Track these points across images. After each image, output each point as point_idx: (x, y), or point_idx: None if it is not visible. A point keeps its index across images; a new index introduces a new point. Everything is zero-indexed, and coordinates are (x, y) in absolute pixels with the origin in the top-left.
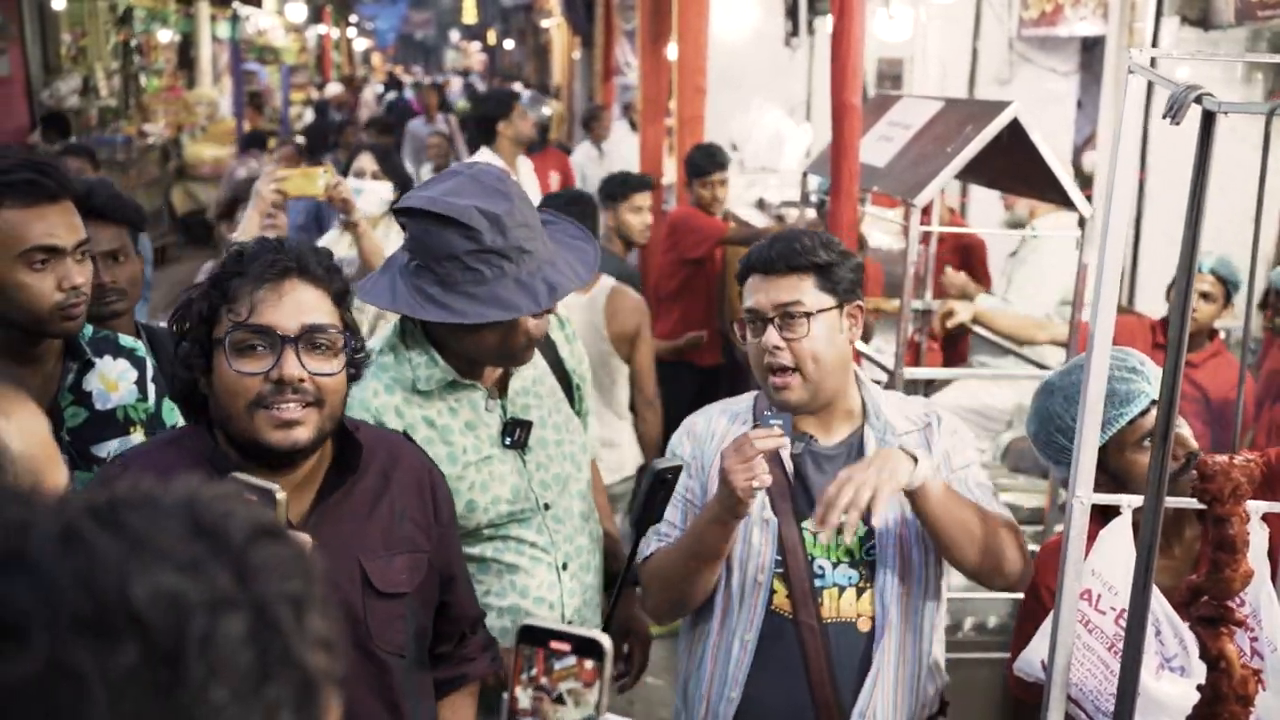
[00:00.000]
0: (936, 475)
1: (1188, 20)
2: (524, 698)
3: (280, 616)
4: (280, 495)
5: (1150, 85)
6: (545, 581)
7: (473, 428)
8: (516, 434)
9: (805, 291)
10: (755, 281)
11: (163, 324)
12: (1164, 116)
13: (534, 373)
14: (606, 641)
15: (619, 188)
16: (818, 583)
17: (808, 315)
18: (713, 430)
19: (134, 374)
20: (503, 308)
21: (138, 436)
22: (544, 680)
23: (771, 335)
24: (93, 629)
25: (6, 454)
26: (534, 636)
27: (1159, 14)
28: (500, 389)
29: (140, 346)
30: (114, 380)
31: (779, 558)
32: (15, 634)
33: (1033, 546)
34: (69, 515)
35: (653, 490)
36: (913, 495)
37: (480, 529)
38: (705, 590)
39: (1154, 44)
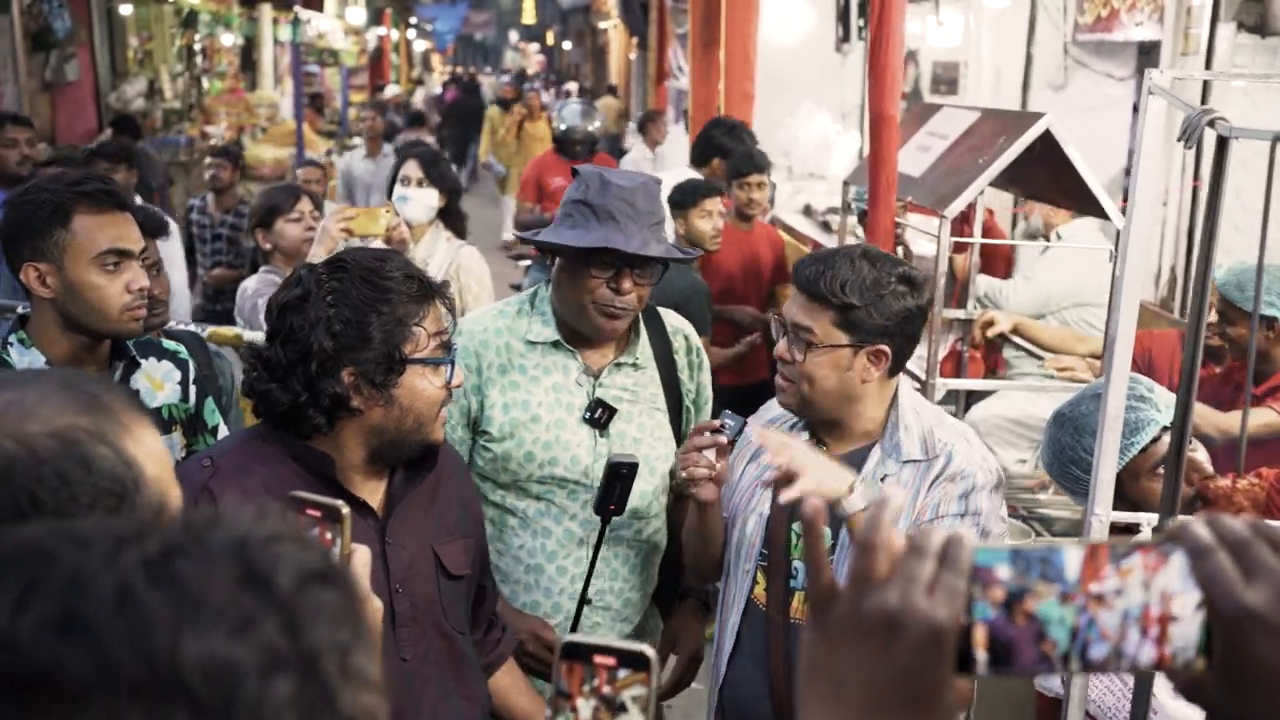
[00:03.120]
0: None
1: (1244, 26)
2: (585, 708)
3: (328, 670)
4: (345, 510)
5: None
6: (573, 555)
7: (557, 390)
8: (598, 413)
9: (820, 323)
10: (793, 290)
11: (190, 327)
12: (1178, 140)
13: (638, 376)
14: (651, 653)
15: (689, 195)
16: (791, 583)
17: (811, 345)
18: (759, 416)
19: (178, 375)
20: (556, 238)
21: (177, 435)
22: (606, 690)
23: (781, 345)
24: (146, 695)
25: (142, 480)
26: (577, 652)
27: (1215, 20)
28: (598, 372)
29: (183, 350)
30: (159, 380)
31: (764, 551)
32: (75, 699)
33: None
34: (124, 571)
35: (609, 482)
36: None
37: (530, 482)
38: (710, 561)
39: (1209, 50)
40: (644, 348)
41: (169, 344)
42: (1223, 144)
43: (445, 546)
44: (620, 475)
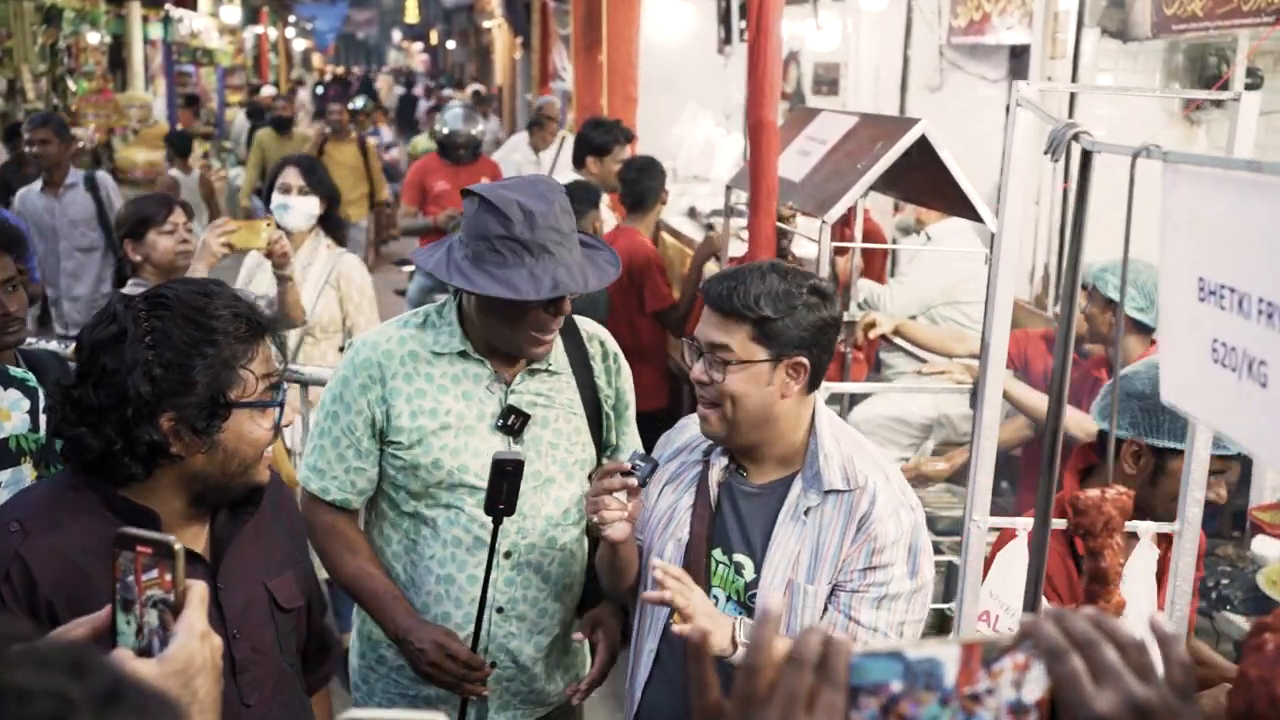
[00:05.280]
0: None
1: (1108, 32)
2: None
3: None
4: (177, 546)
5: None
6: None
7: (467, 397)
8: (510, 420)
9: (736, 339)
10: (704, 310)
11: (46, 344)
12: (1045, 153)
13: (553, 381)
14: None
15: (595, 194)
16: None
17: (729, 364)
18: (670, 440)
19: (26, 404)
20: (508, 288)
21: (27, 467)
22: None
23: (698, 368)
24: None
25: None
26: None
27: (1080, 25)
28: (509, 379)
29: (31, 377)
30: (6, 409)
31: None
32: None
33: (953, 558)
34: None
35: (495, 479)
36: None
37: (440, 489)
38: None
39: (1076, 53)
40: (558, 353)
41: (16, 371)
42: (1087, 156)
43: (276, 581)
44: (505, 473)
